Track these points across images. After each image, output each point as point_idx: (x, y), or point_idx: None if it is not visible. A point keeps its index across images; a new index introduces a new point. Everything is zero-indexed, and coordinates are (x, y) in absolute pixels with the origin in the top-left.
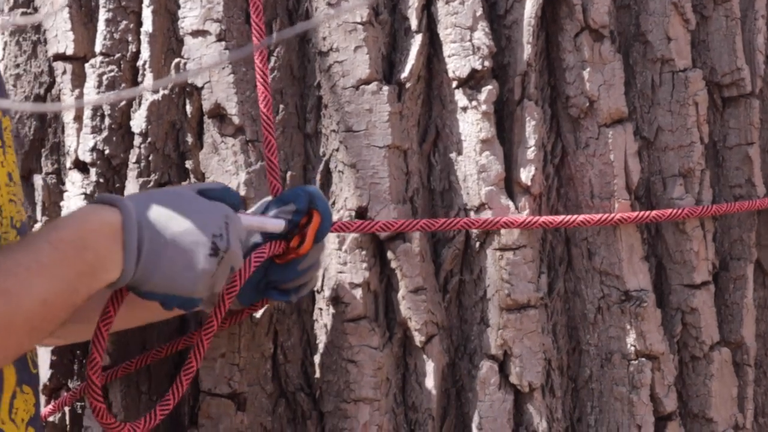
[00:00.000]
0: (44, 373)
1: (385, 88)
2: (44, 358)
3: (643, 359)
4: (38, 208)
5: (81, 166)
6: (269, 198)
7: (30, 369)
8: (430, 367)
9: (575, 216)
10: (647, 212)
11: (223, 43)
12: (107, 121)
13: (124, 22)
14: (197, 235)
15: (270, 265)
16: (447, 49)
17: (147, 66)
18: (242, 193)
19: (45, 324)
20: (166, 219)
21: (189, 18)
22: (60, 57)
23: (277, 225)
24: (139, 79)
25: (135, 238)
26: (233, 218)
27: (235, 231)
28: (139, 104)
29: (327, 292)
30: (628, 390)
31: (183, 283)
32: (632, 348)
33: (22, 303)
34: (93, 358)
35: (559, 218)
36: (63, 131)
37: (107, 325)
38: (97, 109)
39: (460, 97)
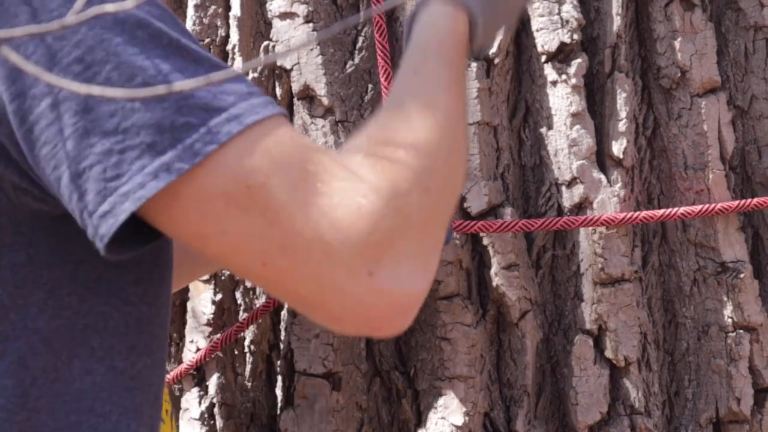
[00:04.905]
0: None
1: (474, 64)
2: None
3: (741, 331)
4: None
5: None
6: None
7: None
8: (524, 343)
9: (675, 209)
10: (749, 201)
11: (311, 24)
12: None
13: (213, 7)
14: None
15: None
16: (535, 23)
17: (236, 50)
18: None
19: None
20: None
21: (277, 1)
22: None
23: None
24: (229, 62)
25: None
26: None
27: None
28: None
29: None
30: (726, 363)
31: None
32: (729, 320)
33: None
34: None
35: (659, 212)
36: None
37: None
38: None
39: (550, 72)
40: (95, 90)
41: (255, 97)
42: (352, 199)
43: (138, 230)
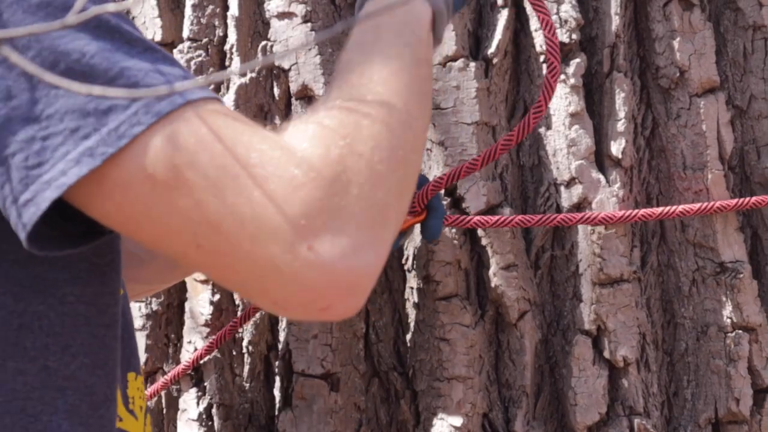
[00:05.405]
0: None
1: (472, 64)
2: (139, 342)
3: (740, 331)
4: None
5: None
6: None
7: (137, 354)
8: (523, 343)
9: (674, 207)
10: (747, 199)
11: (309, 24)
12: None
13: (211, 7)
14: None
15: None
16: (534, 23)
17: (234, 50)
18: None
19: (426, 87)
20: None
21: (275, 0)
22: None
23: None
24: (227, 63)
25: None
26: None
27: None
28: (227, 88)
29: (418, 271)
30: (725, 363)
31: None
32: (729, 320)
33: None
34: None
35: (657, 210)
36: None
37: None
38: None
39: None
40: (96, 90)
41: (189, 81)
42: (285, 169)
43: (76, 230)
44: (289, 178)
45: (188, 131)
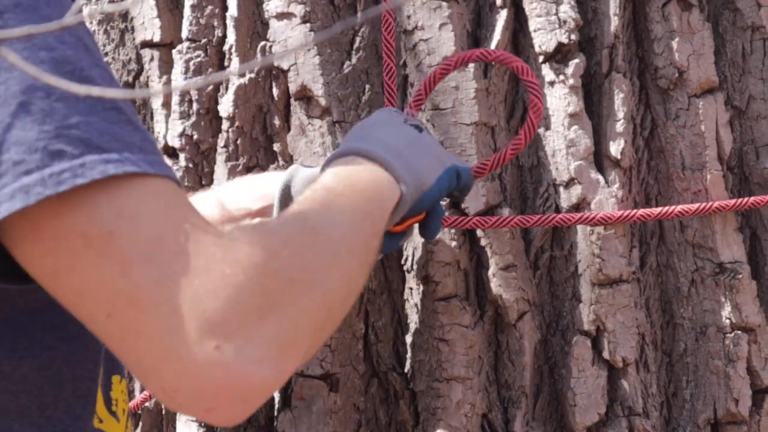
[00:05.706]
0: None
1: (471, 64)
2: None
3: (739, 332)
4: None
5: (170, 152)
6: None
7: None
8: (522, 344)
9: (672, 207)
10: (745, 199)
11: (308, 24)
12: (195, 106)
13: (210, 7)
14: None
15: None
16: (533, 24)
17: (233, 50)
18: None
19: (361, 257)
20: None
21: (274, 1)
22: (147, 44)
23: None
24: (226, 63)
25: (392, 159)
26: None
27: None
28: (226, 89)
29: (417, 272)
30: (724, 363)
31: (431, 171)
32: (727, 321)
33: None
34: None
35: (656, 211)
36: (152, 118)
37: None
38: (184, 95)
39: (547, 72)
40: (95, 91)
41: (146, 154)
42: (218, 266)
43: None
44: (219, 275)
45: (134, 201)
